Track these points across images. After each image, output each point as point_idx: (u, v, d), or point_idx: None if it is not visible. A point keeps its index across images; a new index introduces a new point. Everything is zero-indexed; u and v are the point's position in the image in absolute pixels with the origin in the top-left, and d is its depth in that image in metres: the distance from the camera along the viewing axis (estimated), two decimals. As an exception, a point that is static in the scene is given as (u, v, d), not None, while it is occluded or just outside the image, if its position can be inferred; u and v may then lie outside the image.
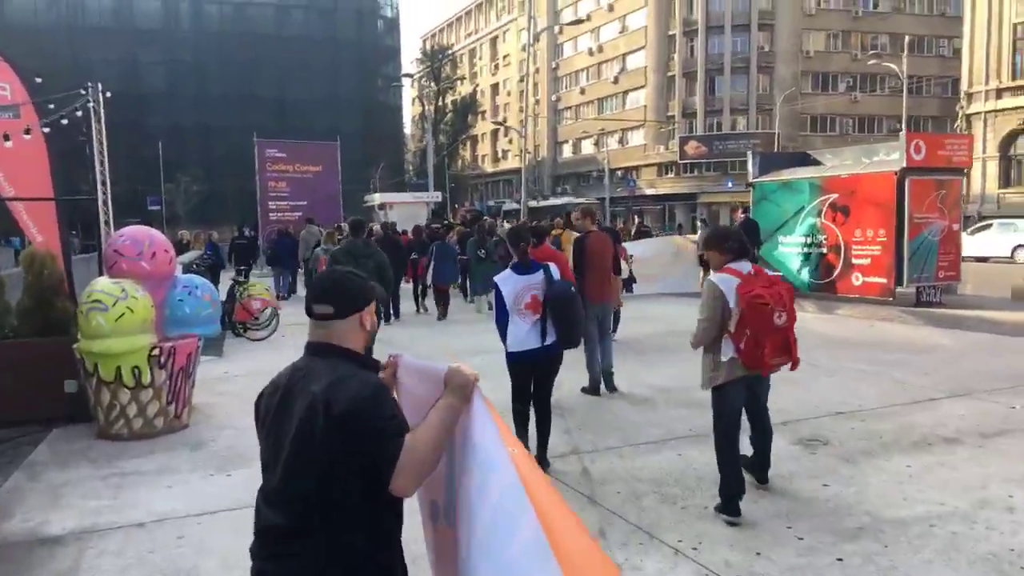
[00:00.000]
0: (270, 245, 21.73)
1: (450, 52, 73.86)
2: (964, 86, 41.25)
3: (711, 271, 4.65)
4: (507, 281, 5.58)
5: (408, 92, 78.91)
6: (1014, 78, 37.62)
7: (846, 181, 14.25)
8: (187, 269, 11.16)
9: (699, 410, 6.83)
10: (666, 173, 63.74)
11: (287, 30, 53.64)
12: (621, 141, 67.16)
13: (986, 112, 38.74)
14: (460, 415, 2.01)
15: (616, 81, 67.26)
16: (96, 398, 6.42)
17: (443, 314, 14.09)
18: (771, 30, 59.36)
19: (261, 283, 14.68)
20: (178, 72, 51.70)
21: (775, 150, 54.46)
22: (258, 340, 11.57)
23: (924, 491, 4.71)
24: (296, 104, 50.94)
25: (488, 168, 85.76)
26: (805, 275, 15.05)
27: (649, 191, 63.93)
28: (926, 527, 4.17)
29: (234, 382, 8.70)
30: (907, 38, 56.32)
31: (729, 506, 4.37)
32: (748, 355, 4.35)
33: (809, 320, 12.16)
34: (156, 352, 6.36)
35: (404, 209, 32.30)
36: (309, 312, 2.15)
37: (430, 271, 14.11)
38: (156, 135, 47.26)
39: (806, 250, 14.94)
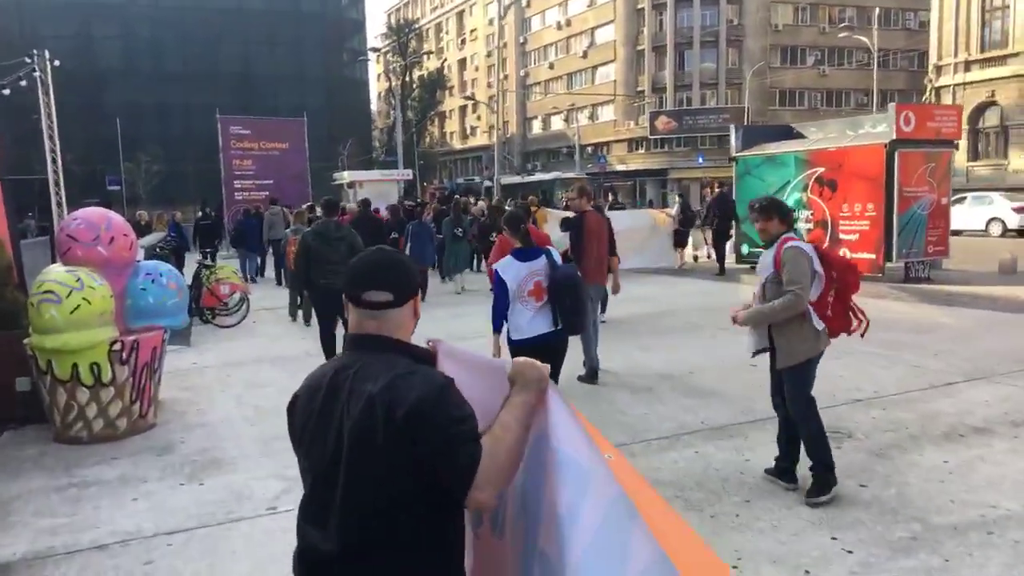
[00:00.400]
0: (235, 226, 21.13)
1: (416, 26, 72.42)
2: (933, 59, 41.26)
3: (783, 241, 4.35)
4: (509, 268, 5.36)
5: (374, 68, 77.45)
6: (982, 50, 37.67)
7: (833, 154, 13.90)
8: (149, 254, 10.47)
9: (707, 400, 6.43)
10: (636, 149, 63.36)
11: (249, 3, 52.03)
12: (591, 117, 66.58)
13: (955, 85, 38.80)
14: (533, 413, 1.77)
15: (585, 55, 66.53)
16: (51, 398, 5.82)
17: (422, 297, 13.59)
18: (740, 3, 59.01)
19: (229, 266, 14.02)
20: (135, 47, 49.98)
21: (745, 124, 54.49)
22: (228, 327, 10.95)
23: (971, 491, 4.33)
24: (259, 80, 49.57)
25: (457, 145, 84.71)
26: (791, 251, 14.72)
27: (620, 167, 63.52)
28: (984, 535, 3.78)
29: (204, 374, 8.11)
30: (875, 11, 56.57)
31: (830, 476, 4.28)
32: (838, 322, 4.30)
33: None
34: (117, 347, 5.76)
35: (374, 187, 31.48)
36: (356, 300, 1.84)
37: (407, 252, 13.64)
38: (114, 113, 45.64)
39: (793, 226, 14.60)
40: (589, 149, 64.87)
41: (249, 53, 50.77)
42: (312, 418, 1.80)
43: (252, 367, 8.38)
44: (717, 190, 16.82)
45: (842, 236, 13.75)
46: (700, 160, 57.98)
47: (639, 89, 62.20)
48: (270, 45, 51.06)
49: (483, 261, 15.73)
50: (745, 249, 15.84)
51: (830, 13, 60.83)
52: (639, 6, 61.59)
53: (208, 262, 11.73)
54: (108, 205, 31.97)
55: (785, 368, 4.36)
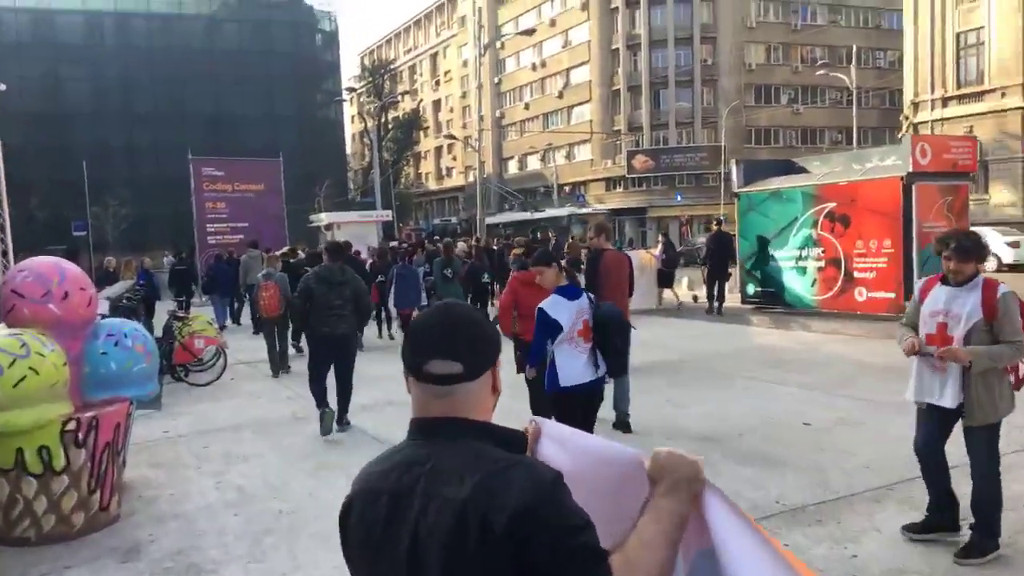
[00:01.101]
0: (207, 271, 20.28)
1: (391, 67, 72.25)
2: (909, 96, 41.53)
3: (989, 285, 3.94)
4: (560, 308, 5.02)
5: (348, 109, 77.01)
6: (959, 87, 37.95)
7: (845, 189, 13.27)
8: (115, 306, 9.43)
9: (771, 470, 5.52)
10: (615, 188, 63.23)
11: (220, 44, 51.33)
12: (568, 156, 66.54)
13: (933, 121, 38.93)
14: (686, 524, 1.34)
15: (561, 96, 66.69)
16: (-10, 490, 4.77)
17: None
18: (713, 43, 59.62)
19: (203, 315, 12.96)
20: (103, 89, 48.91)
21: (722, 163, 54.60)
22: (203, 385, 9.87)
23: None
24: (231, 121, 48.66)
25: (432, 186, 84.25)
26: (800, 291, 14.03)
27: (599, 206, 63.15)
28: None
29: (177, 445, 7.05)
30: (845, 50, 57.35)
31: (992, 544, 3.95)
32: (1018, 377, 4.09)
33: (824, 342, 11.06)
34: (72, 426, 4.74)
35: (352, 229, 30.51)
36: (417, 371, 1.41)
37: (391, 295, 12.88)
38: (81, 156, 44.48)
39: (801, 264, 13.91)
40: (567, 188, 64.63)
41: (221, 93, 49.93)
42: (377, 529, 1.39)
43: (232, 435, 7.33)
44: (714, 228, 16.12)
45: (857, 274, 13.06)
46: (679, 198, 57.91)
47: (615, 128, 62.27)
48: (242, 86, 50.27)
49: (473, 301, 14.91)
50: (751, 289, 15.11)
51: (802, 52, 61.65)
52: (613, 47, 61.95)
53: (180, 313, 10.67)
54: (75, 252, 30.73)
55: (981, 426, 3.95)
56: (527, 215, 40.56)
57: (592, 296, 5.38)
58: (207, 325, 11.23)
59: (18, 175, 44.96)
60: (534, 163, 70.82)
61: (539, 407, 7.16)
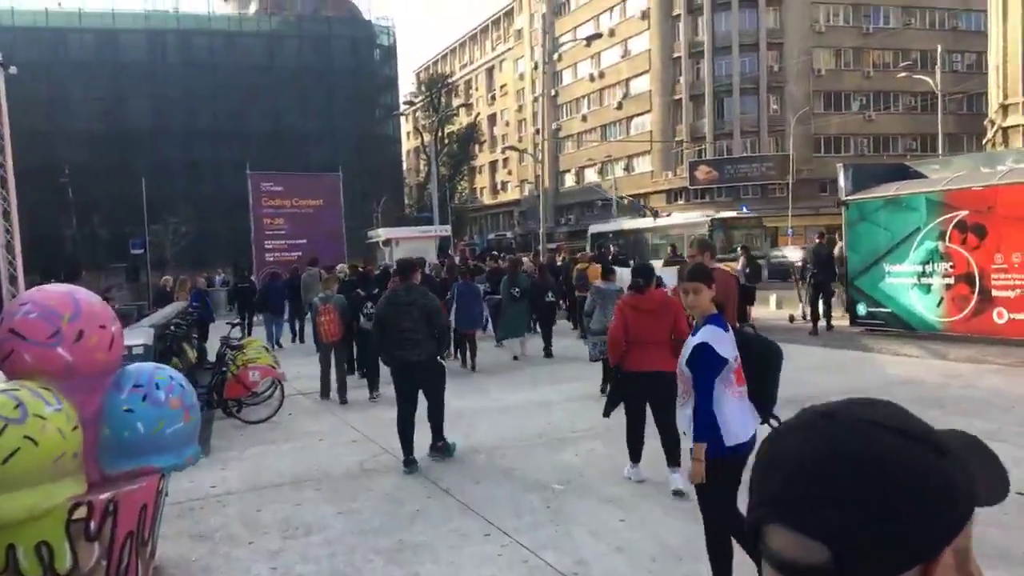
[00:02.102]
0: (262, 289, 19.65)
1: (449, 81, 71.79)
2: (998, 99, 38.95)
3: None
4: (724, 341, 3.79)
5: (404, 125, 76.79)
6: (1054, 88, 35.33)
7: (981, 194, 11.57)
8: (161, 334, 8.37)
9: (994, 569, 4.05)
10: (676, 200, 61.33)
11: (280, 61, 51.32)
12: (627, 168, 64.93)
13: (1025, 125, 36.37)
14: None
15: (620, 107, 65.22)
16: (-21, 592, 3.60)
17: (473, 364, 12.08)
18: (780, 49, 57.52)
19: (258, 340, 11.93)
20: (165, 107, 49.25)
21: (790, 174, 52.38)
22: (257, 422, 8.74)
23: None
24: (290, 137, 48.47)
25: (487, 200, 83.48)
26: (924, 311, 12.34)
27: (745, 210, 61.31)
28: None
29: (227, 507, 5.85)
30: (918, 54, 54.70)
31: None
32: None
33: (977, 374, 9.42)
34: (82, 514, 3.55)
35: (411, 245, 29.65)
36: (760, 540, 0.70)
37: (452, 314, 11.93)
38: (143, 174, 44.73)
39: (925, 281, 12.23)
40: (625, 200, 63.01)
41: (280, 111, 49.84)
42: None
43: (291, 493, 6.11)
44: (816, 240, 14.57)
45: (996, 293, 11.34)
46: (744, 210, 55.63)
47: (677, 139, 60.52)
48: (302, 102, 50.11)
49: (539, 323, 13.76)
50: (862, 309, 13.45)
51: (874, 57, 59.09)
52: (675, 55, 60.31)
53: (234, 339, 9.58)
54: (136, 271, 30.39)
55: None
56: (645, 222, 32.83)
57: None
58: (263, 352, 10.15)
59: (83, 193, 45.64)
60: (591, 176, 69.41)
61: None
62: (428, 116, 63.49)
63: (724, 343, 3.76)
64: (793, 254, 35.22)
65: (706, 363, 3.67)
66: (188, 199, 46.19)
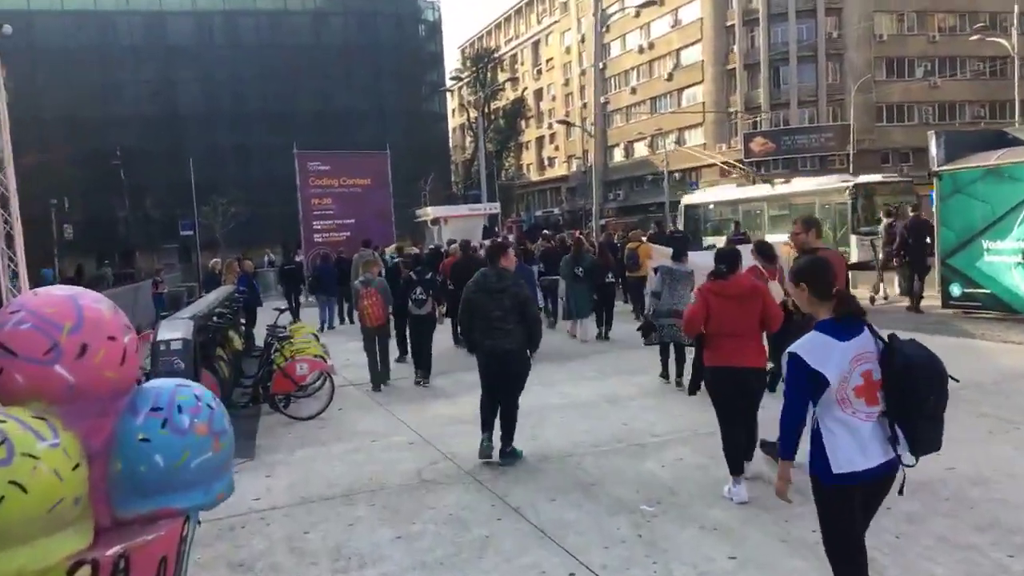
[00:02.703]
0: (313, 271, 19.54)
1: (496, 55, 70.62)
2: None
3: None
4: (826, 352, 3.09)
5: (449, 101, 76.02)
6: None
7: (1100, 162, 10.35)
8: (203, 325, 7.77)
9: None
10: (730, 173, 59.55)
11: (325, 39, 51.00)
12: (678, 141, 63.19)
13: (1113, 87, 34.06)
14: None
15: (670, 78, 63.48)
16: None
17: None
18: (839, 14, 55.15)
19: (308, 327, 11.38)
20: (214, 89, 49.36)
21: (850, 144, 50.23)
22: (306, 419, 8.13)
23: None
24: (338, 116, 48.16)
25: (534, 177, 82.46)
26: (1030, 293, 11.19)
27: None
28: None
29: (271, 526, 5.19)
30: (986, 16, 51.91)
31: None
32: None
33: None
34: (85, 574, 2.88)
35: (460, 223, 28.96)
36: None
37: None
38: (192, 156, 44.93)
39: (1031, 259, 11.06)
40: (677, 176, 61.44)
41: (327, 89, 49.56)
42: None
43: (343, 510, 5.44)
44: (911, 214, 13.46)
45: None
46: (801, 182, 53.82)
47: (731, 110, 58.63)
48: (348, 80, 49.73)
49: (599, 306, 12.99)
50: (956, 290, 12.30)
51: (938, 20, 56.27)
52: (728, 23, 58.31)
53: (281, 329, 8.97)
54: (187, 251, 30.54)
55: None
56: (760, 190, 26.77)
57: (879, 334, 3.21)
58: (311, 341, 9.56)
59: (135, 176, 46.02)
60: (641, 150, 67.86)
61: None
62: (474, 92, 62.62)
63: (826, 355, 3.07)
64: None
65: (792, 376, 3.13)
66: (237, 181, 46.32)
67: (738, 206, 26.65)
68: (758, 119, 57.42)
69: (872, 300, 14.29)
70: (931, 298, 13.09)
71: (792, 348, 3.14)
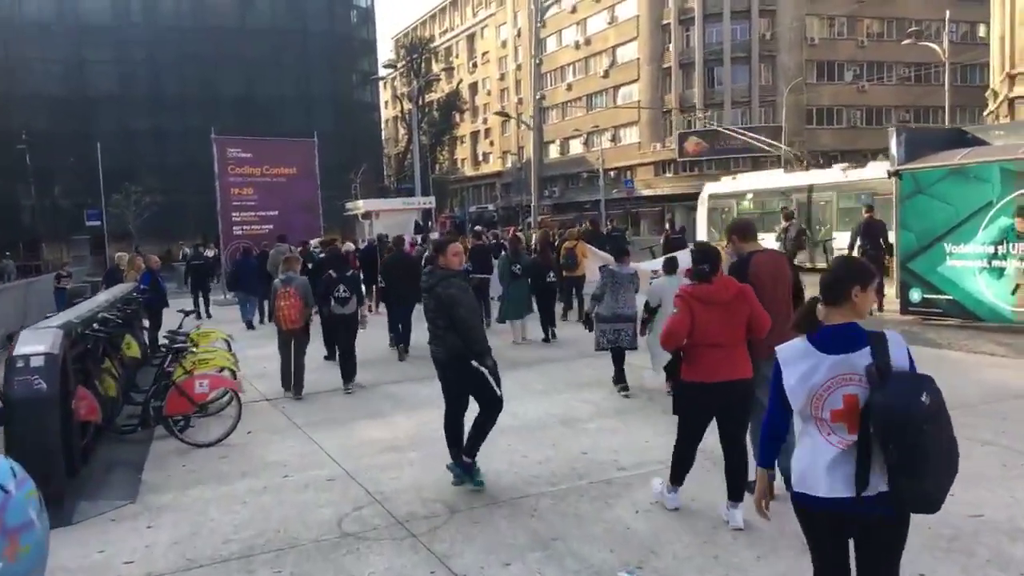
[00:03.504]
0: (233, 267, 18.13)
1: (431, 46, 68.94)
2: (1004, 69, 37.38)
3: None
4: (797, 363, 2.74)
5: (382, 93, 74.05)
6: (1065, 56, 33.77)
7: (1072, 163, 9.85)
8: (83, 331, 6.40)
9: None
10: (664, 172, 59.64)
11: (252, 22, 48.63)
12: (613, 139, 62.94)
13: (1034, 95, 34.84)
14: None
15: (606, 75, 63.17)
16: None
17: None
18: (772, 16, 55.68)
19: (216, 332, 10.05)
20: (130, 72, 46.50)
21: (781, 144, 50.68)
22: (205, 446, 6.86)
23: None
24: (263, 103, 45.98)
25: (468, 172, 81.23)
26: (996, 299, 10.66)
27: (646, 192, 59.73)
28: None
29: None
30: (910, 23, 53.07)
31: None
32: None
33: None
34: None
35: (392, 218, 27.74)
36: None
37: None
38: (106, 142, 42.14)
39: (997, 264, 10.53)
40: (612, 173, 61.12)
41: (252, 75, 47.27)
42: None
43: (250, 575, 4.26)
44: (865, 215, 12.91)
45: (1088, 280, 9.68)
46: (735, 182, 54.10)
47: (665, 109, 58.56)
48: (275, 66, 47.52)
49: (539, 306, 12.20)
50: (915, 295, 11.74)
51: (867, 26, 57.36)
52: (664, 22, 58.26)
53: (181, 337, 7.65)
54: (100, 244, 28.28)
55: None
56: (830, 176, 23.44)
57: (895, 351, 2.74)
58: (218, 352, 8.28)
59: (41, 162, 42.90)
60: (576, 147, 67.37)
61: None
62: (407, 83, 61.00)
63: (799, 365, 2.75)
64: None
65: (773, 380, 2.86)
66: (154, 168, 43.75)
67: (791, 195, 23.66)
68: (691, 119, 57.51)
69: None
70: (888, 303, 12.54)
71: (778, 349, 2.86)
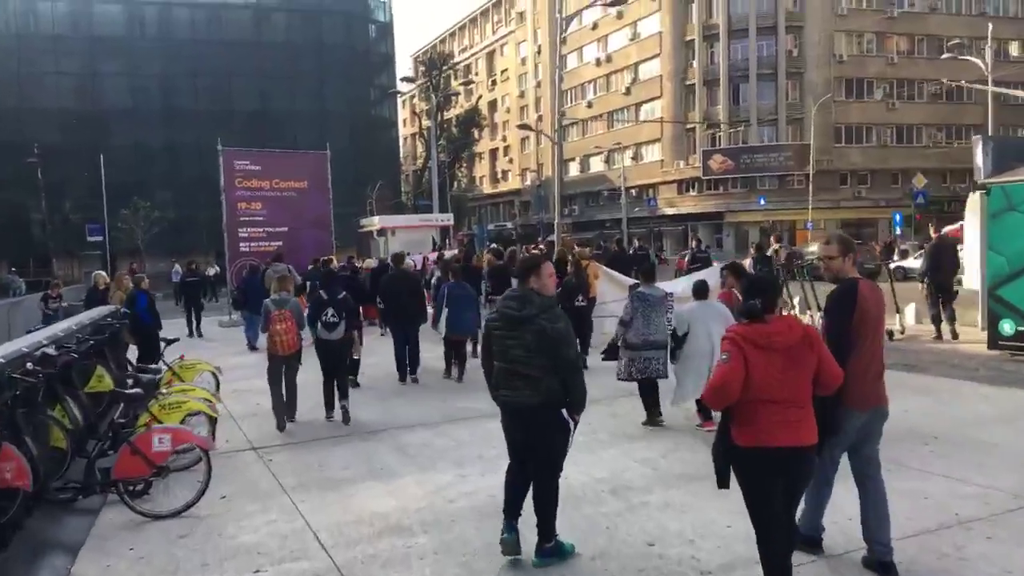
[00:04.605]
0: (240, 285, 16.95)
1: (452, 62, 67.97)
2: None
3: None
4: None
5: (400, 111, 73.25)
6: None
7: None
8: (30, 365, 5.03)
9: None
10: (687, 191, 58.19)
11: (267, 36, 47.79)
12: (635, 157, 61.56)
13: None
14: None
15: (628, 92, 61.91)
16: None
17: (460, 374, 10.53)
18: (799, 32, 54.32)
19: (204, 364, 8.71)
20: (143, 85, 45.73)
21: (809, 164, 49.07)
22: (167, 517, 5.44)
23: None
24: (278, 119, 44.99)
25: (487, 189, 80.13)
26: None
27: (669, 210, 58.23)
28: None
29: None
30: (945, 39, 51.59)
31: None
32: None
33: None
34: None
35: (409, 235, 26.45)
36: None
37: (443, 319, 10.50)
38: (118, 156, 41.22)
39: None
40: (633, 192, 59.68)
41: (267, 90, 46.39)
42: None
43: None
44: (934, 236, 11.48)
45: None
46: (762, 202, 52.52)
47: (688, 127, 57.15)
48: (290, 81, 46.58)
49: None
50: (1008, 327, 10.16)
51: (898, 42, 55.80)
52: (688, 38, 57.02)
53: (148, 376, 6.25)
54: (113, 259, 27.04)
55: None
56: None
57: None
58: (193, 394, 6.90)
59: (52, 176, 42.02)
60: (597, 165, 66.04)
61: None
62: (427, 99, 60.08)
63: None
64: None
65: None
66: (168, 183, 42.77)
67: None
68: (716, 134, 56.04)
69: (890, 335, 12.18)
70: (967, 334, 11.03)
71: None
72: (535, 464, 4.51)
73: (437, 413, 8.49)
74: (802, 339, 3.69)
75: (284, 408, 8.24)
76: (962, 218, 12.27)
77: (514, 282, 11.71)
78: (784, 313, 4.47)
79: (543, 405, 4.38)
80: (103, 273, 13.09)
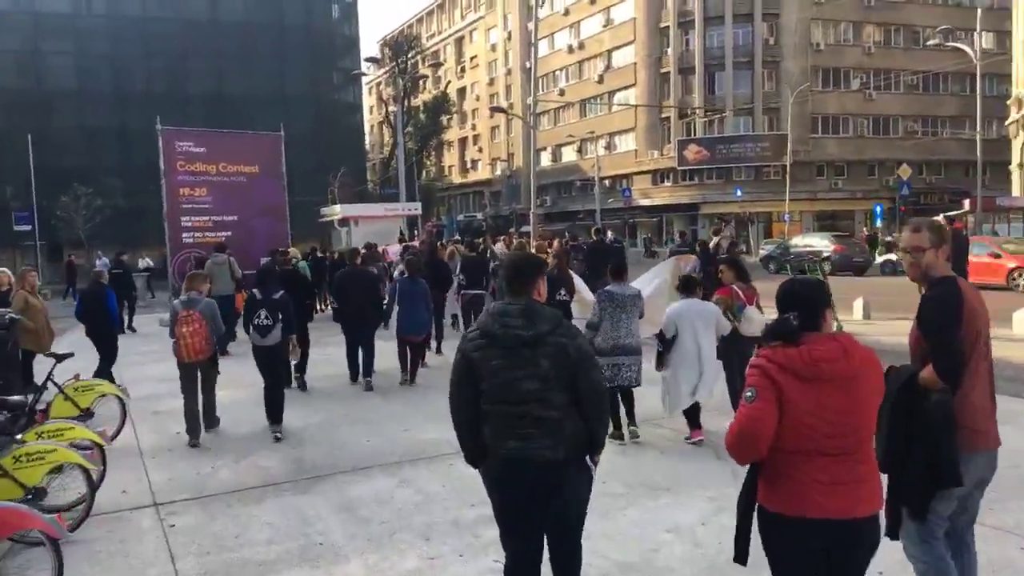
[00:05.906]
0: (181, 278, 14.89)
1: (418, 48, 65.81)
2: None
3: None
4: None
5: (367, 98, 70.91)
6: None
7: None
8: None
9: None
10: (662, 181, 56.90)
11: (224, 15, 45.26)
12: (609, 146, 60.07)
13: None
14: None
15: (601, 80, 60.46)
16: None
17: (412, 377, 9.86)
18: (776, 20, 53.25)
19: (104, 387, 6.88)
20: (90, 65, 43.05)
21: (786, 155, 47.87)
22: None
23: None
24: (235, 101, 42.60)
25: (456, 179, 78.19)
26: None
27: (643, 201, 56.87)
28: None
29: None
30: (923, 30, 50.98)
31: None
32: None
33: None
34: None
35: (373, 225, 24.56)
36: None
37: (393, 318, 9.98)
38: (62, 140, 38.63)
39: None
40: (607, 182, 58.20)
41: (223, 71, 43.94)
42: None
43: None
44: (950, 227, 9.97)
45: None
46: (738, 193, 51.29)
47: (663, 116, 55.76)
48: (248, 62, 44.18)
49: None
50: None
51: (875, 32, 54.93)
52: (662, 24, 55.61)
53: (6, 413, 4.43)
54: (59, 249, 24.48)
55: None
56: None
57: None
58: (64, 444, 5.07)
59: (-9, 159, 39.35)
60: (569, 154, 64.43)
61: None
62: (394, 85, 57.97)
63: None
64: (819, 242, 30.50)
65: None
66: (118, 170, 40.26)
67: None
68: (691, 126, 54.75)
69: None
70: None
71: None
72: (555, 534, 3.22)
73: (396, 446, 6.77)
74: (863, 365, 2.65)
75: (196, 424, 7.23)
76: (941, 212, 11.15)
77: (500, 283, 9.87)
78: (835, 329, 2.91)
79: (571, 460, 3.10)
80: (7, 271, 11.01)
